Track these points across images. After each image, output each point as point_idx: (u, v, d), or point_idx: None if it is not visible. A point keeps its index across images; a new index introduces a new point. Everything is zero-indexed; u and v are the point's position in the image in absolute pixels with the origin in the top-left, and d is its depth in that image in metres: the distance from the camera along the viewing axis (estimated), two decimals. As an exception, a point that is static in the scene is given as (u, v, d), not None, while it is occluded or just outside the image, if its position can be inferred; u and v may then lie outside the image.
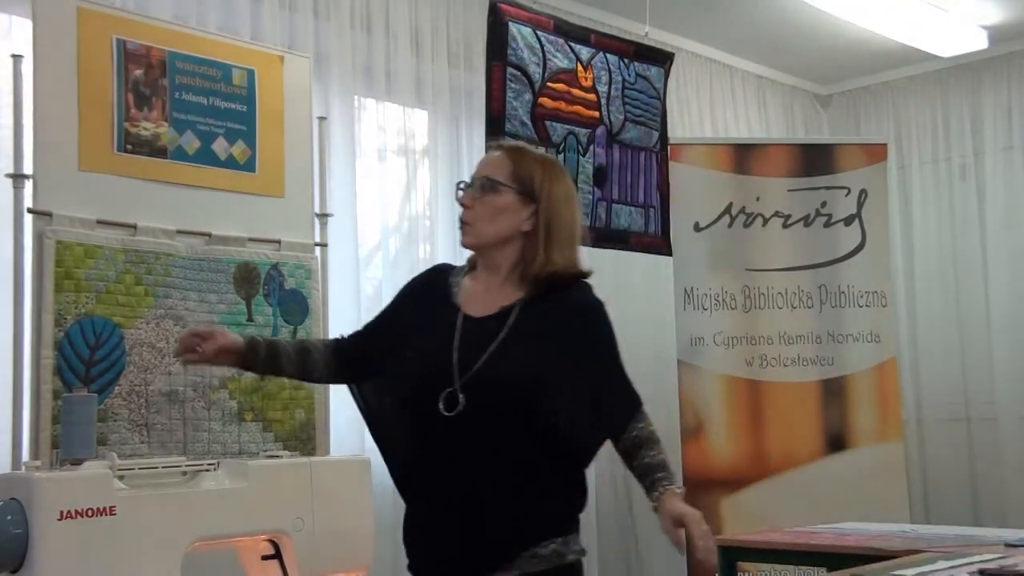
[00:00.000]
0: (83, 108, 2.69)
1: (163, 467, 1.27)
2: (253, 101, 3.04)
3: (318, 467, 1.43)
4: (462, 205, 2.09)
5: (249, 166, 3.03)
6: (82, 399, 1.35)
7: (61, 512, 1.14)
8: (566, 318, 2.05)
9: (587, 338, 2.06)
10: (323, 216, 3.28)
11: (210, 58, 2.96)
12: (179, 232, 2.85)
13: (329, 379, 2.35)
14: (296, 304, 3.07)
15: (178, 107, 2.88)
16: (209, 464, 1.30)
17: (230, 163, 2.99)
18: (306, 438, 3.00)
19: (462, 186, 2.13)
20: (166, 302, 2.79)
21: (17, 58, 2.65)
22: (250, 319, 2.97)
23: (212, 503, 1.29)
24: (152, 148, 2.83)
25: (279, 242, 3.06)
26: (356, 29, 3.81)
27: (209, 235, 2.91)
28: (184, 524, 1.25)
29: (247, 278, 2.98)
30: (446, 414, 1.92)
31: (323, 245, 3.25)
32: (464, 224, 2.09)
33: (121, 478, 1.20)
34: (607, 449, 2.06)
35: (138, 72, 2.80)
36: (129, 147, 2.78)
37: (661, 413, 4.38)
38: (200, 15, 3.34)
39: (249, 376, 2.91)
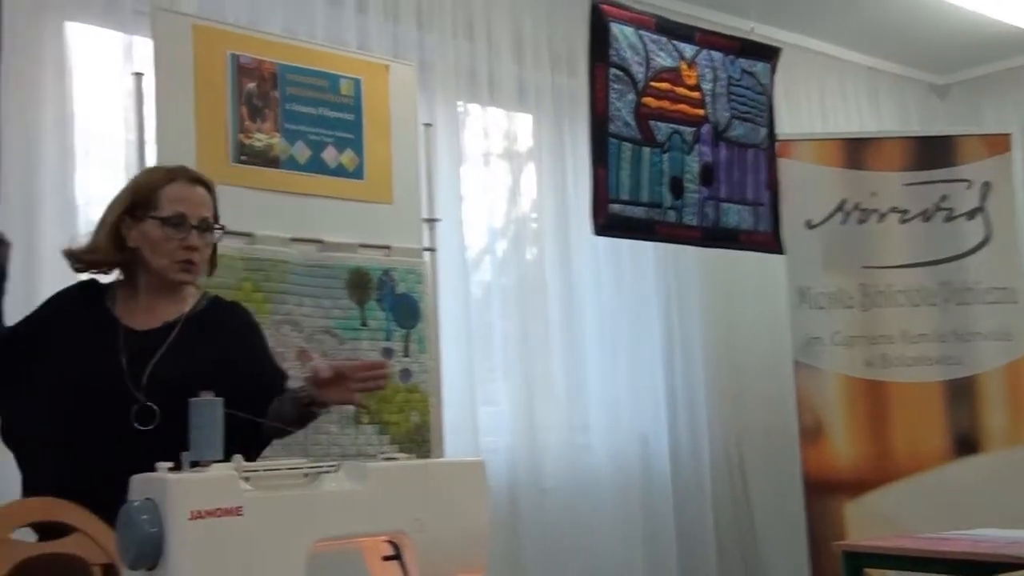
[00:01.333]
0: (200, 122, 2.78)
1: (286, 469, 1.29)
2: (360, 110, 3.10)
3: (435, 469, 1.43)
4: (193, 248, 2.11)
5: (357, 174, 3.09)
6: (208, 403, 1.39)
7: (192, 512, 1.17)
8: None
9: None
10: (431, 221, 3.31)
11: (318, 69, 3.02)
12: (293, 240, 2.92)
13: None
14: (408, 308, 3.11)
15: (289, 118, 2.95)
16: (330, 466, 1.32)
17: (339, 171, 3.05)
18: (421, 440, 3.04)
19: (195, 225, 2.11)
20: (283, 308, 2.86)
21: (138, 76, 2.76)
22: (364, 324, 3.02)
23: (333, 504, 1.31)
24: (265, 158, 2.90)
25: (389, 247, 3.11)
26: (459, 37, 3.84)
27: (321, 242, 2.98)
28: (307, 524, 1.27)
29: (360, 283, 3.03)
30: (141, 428, 1.98)
31: (431, 250, 3.28)
32: (192, 265, 2.12)
33: (247, 479, 1.23)
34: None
35: (251, 85, 2.88)
36: (244, 158, 2.86)
37: (777, 414, 4.33)
38: (308, 27, 3.41)
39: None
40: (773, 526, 4.43)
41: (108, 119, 3.01)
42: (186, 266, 2.10)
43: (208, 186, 2.17)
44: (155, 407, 2.00)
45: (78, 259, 2.15)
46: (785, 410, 4.19)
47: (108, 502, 1.81)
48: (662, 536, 4.15)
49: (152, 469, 1.94)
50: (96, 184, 2.95)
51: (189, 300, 2.17)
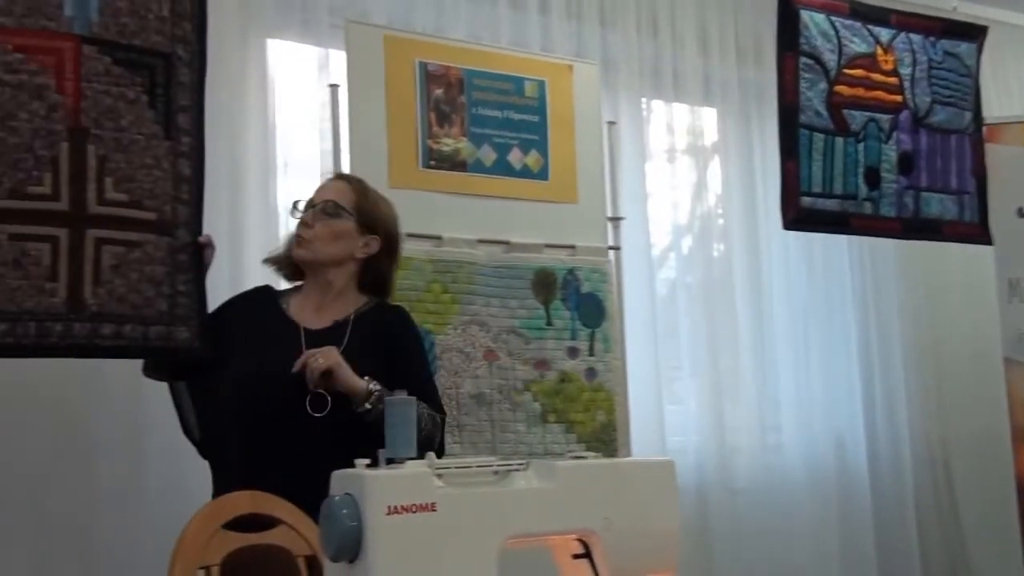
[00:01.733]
0: (391, 129, 2.87)
1: (476, 466, 1.31)
2: (544, 111, 3.12)
3: (624, 468, 1.42)
4: (305, 224, 2.24)
5: (542, 174, 3.11)
6: (402, 402, 1.43)
7: (388, 507, 1.21)
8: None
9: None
10: (615, 219, 3.30)
11: (503, 72, 3.07)
12: (480, 241, 2.97)
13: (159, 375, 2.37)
14: (593, 307, 3.11)
15: (475, 122, 3.01)
16: (519, 464, 1.33)
17: (525, 172, 3.08)
18: (607, 439, 3.03)
19: (313, 205, 2.25)
20: (470, 308, 2.92)
21: (334, 87, 2.88)
22: (549, 323, 3.04)
23: (524, 502, 1.32)
24: (453, 162, 2.97)
25: (574, 247, 3.12)
26: (642, 33, 3.81)
27: (508, 243, 3.01)
28: (498, 521, 1.29)
29: (545, 283, 3.05)
30: (315, 415, 2.09)
31: (616, 248, 3.27)
32: (302, 240, 2.24)
33: (439, 476, 1.25)
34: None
35: (439, 91, 2.96)
36: (432, 163, 2.93)
37: (986, 415, 4.08)
38: (493, 31, 3.47)
39: (550, 379, 2.99)
40: (984, 537, 4.17)
41: (305, 129, 3.16)
42: (298, 240, 2.25)
43: (349, 180, 2.32)
44: (327, 394, 2.11)
45: (279, 265, 2.35)
46: (995, 411, 3.94)
47: (289, 488, 1.93)
48: (860, 544, 3.98)
49: (322, 454, 2.07)
50: (295, 192, 3.09)
51: (352, 302, 2.27)
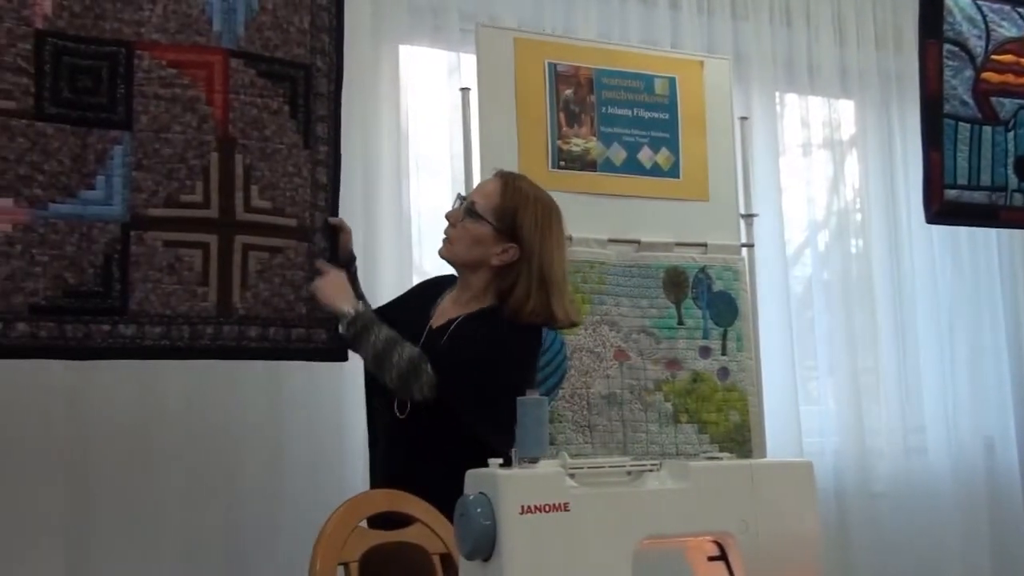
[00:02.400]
0: (521, 130, 2.90)
1: (609, 467, 1.32)
2: (675, 108, 3.09)
3: (759, 469, 1.40)
4: (447, 219, 2.25)
5: (673, 172, 3.09)
6: (535, 401, 1.44)
7: (522, 507, 1.22)
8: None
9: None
10: (748, 216, 3.25)
11: (633, 71, 3.06)
12: (610, 241, 2.97)
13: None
14: (725, 306, 3.07)
15: (605, 121, 3.01)
16: (652, 464, 1.33)
17: (655, 171, 3.07)
18: (741, 440, 2.99)
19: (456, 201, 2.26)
20: (601, 308, 2.92)
21: (465, 91, 2.92)
22: (680, 322, 3.01)
23: (657, 502, 1.32)
24: (583, 162, 2.98)
25: (705, 245, 3.08)
26: (776, 24, 3.74)
27: (638, 242, 3.00)
28: (632, 522, 1.29)
29: (676, 282, 3.03)
30: (399, 415, 2.15)
31: (749, 245, 3.22)
32: (445, 238, 2.26)
33: (572, 476, 1.26)
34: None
35: (568, 92, 2.97)
36: (562, 163, 2.95)
37: None
38: (622, 30, 3.46)
39: (682, 379, 2.97)
40: None
41: (437, 133, 3.22)
42: (444, 240, 2.26)
43: (506, 184, 2.25)
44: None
45: None
46: None
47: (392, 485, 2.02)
48: (1013, 553, 3.81)
49: (407, 455, 2.14)
50: (427, 195, 3.16)
51: (480, 305, 2.23)
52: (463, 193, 2.29)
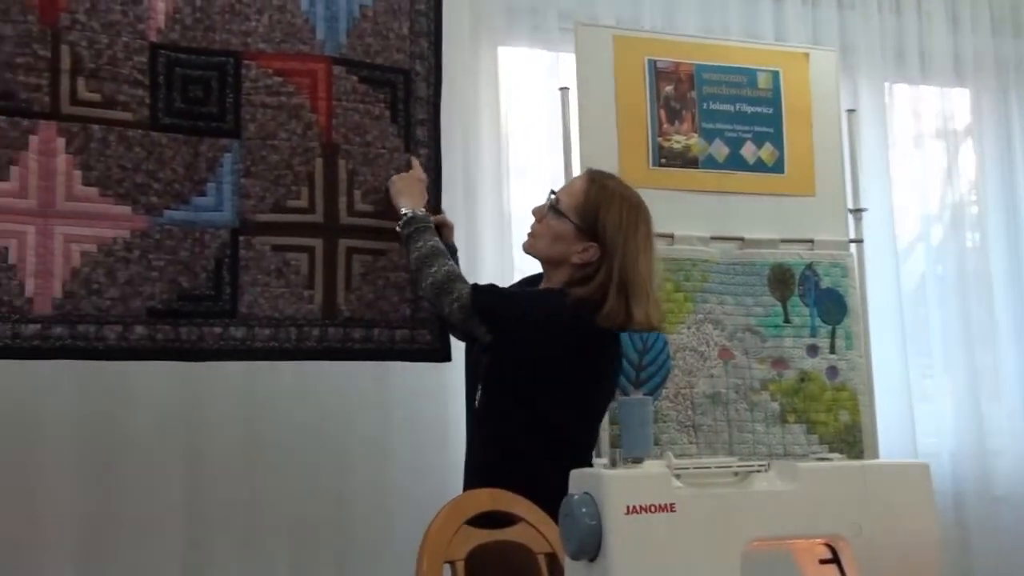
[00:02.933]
0: (621, 128, 2.88)
1: (715, 467, 1.30)
2: (779, 102, 3.03)
3: (873, 471, 1.36)
4: (533, 214, 2.25)
5: (778, 167, 3.03)
6: (638, 401, 1.43)
7: (627, 507, 1.21)
8: None
9: None
10: (857, 211, 3.16)
11: (735, 65, 3.01)
12: (713, 238, 2.92)
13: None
14: (833, 303, 3.00)
15: (706, 117, 2.97)
16: (760, 465, 1.31)
17: (759, 166, 3.01)
18: (852, 440, 2.91)
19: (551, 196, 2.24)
20: (704, 307, 2.88)
21: (564, 90, 2.92)
22: (787, 320, 2.95)
23: (765, 504, 1.29)
24: (684, 159, 2.94)
25: (812, 241, 3.02)
26: (884, 12, 3.64)
27: (742, 239, 2.95)
28: (740, 523, 1.27)
29: (782, 280, 2.97)
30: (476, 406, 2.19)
31: (858, 241, 3.13)
32: (529, 234, 2.26)
33: (678, 476, 1.25)
34: None
35: (668, 88, 2.94)
36: (663, 160, 2.92)
37: None
38: (724, 24, 3.41)
39: (789, 378, 2.91)
40: None
41: (536, 133, 3.22)
42: (529, 235, 2.27)
43: (592, 182, 2.23)
44: (480, 388, 2.19)
45: None
46: None
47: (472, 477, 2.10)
48: None
49: (481, 447, 2.19)
50: (526, 195, 3.17)
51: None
52: (554, 189, 2.29)
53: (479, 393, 2.21)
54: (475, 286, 2.17)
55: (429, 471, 2.90)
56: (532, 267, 2.40)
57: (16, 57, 2.07)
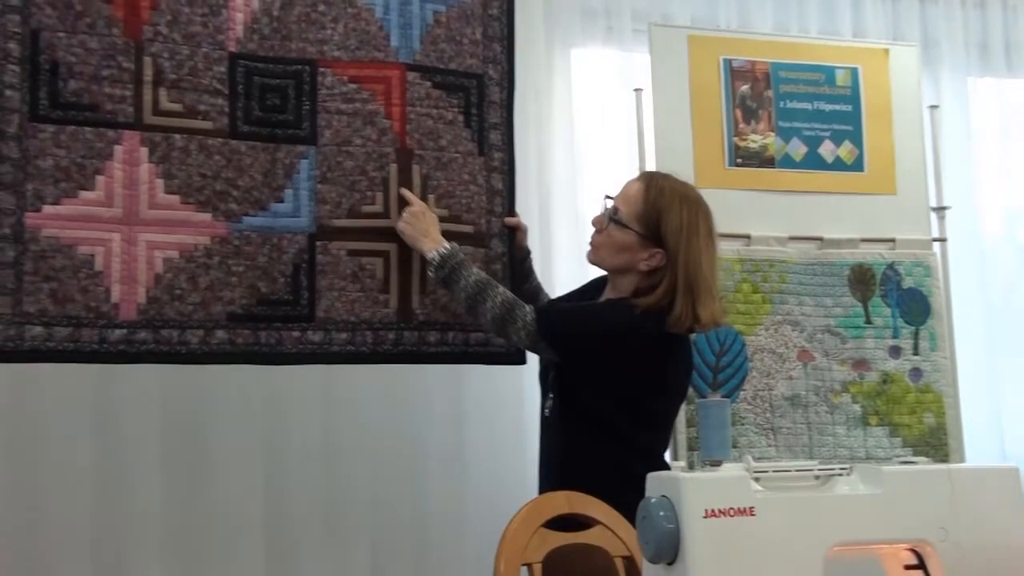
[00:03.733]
0: (696, 129, 2.86)
1: (795, 471, 1.28)
2: (858, 99, 2.98)
3: (960, 475, 1.32)
4: (593, 224, 2.22)
5: (857, 166, 2.97)
6: (717, 403, 1.42)
7: (706, 511, 1.20)
8: None
9: None
10: (940, 210, 3.09)
11: (812, 63, 2.97)
12: (791, 239, 2.89)
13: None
14: (916, 304, 2.93)
15: (783, 116, 2.93)
16: (842, 468, 1.28)
17: (837, 165, 2.96)
18: (937, 444, 2.84)
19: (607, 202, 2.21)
20: (783, 308, 2.84)
21: (638, 92, 2.91)
22: (868, 321, 2.90)
23: (847, 508, 1.27)
24: (760, 159, 2.91)
25: (893, 240, 2.96)
26: (967, 5, 3.55)
27: (821, 239, 2.91)
28: (821, 528, 1.24)
29: (862, 280, 2.92)
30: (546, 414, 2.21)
31: (942, 240, 3.06)
32: (590, 245, 2.23)
33: (757, 480, 1.23)
34: None
35: (744, 87, 2.91)
36: (739, 160, 2.89)
37: None
38: (801, 21, 3.37)
39: (871, 380, 2.85)
40: None
41: (610, 134, 3.21)
42: (591, 244, 2.24)
43: (648, 186, 2.20)
44: (552, 396, 2.21)
45: None
46: None
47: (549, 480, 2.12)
48: None
49: (552, 453, 2.20)
50: (601, 197, 3.15)
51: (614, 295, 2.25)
52: (609, 194, 2.26)
53: (550, 402, 2.22)
54: (537, 310, 2.15)
55: (505, 474, 2.91)
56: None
57: (102, 69, 2.13)
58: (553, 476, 2.18)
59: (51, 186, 2.08)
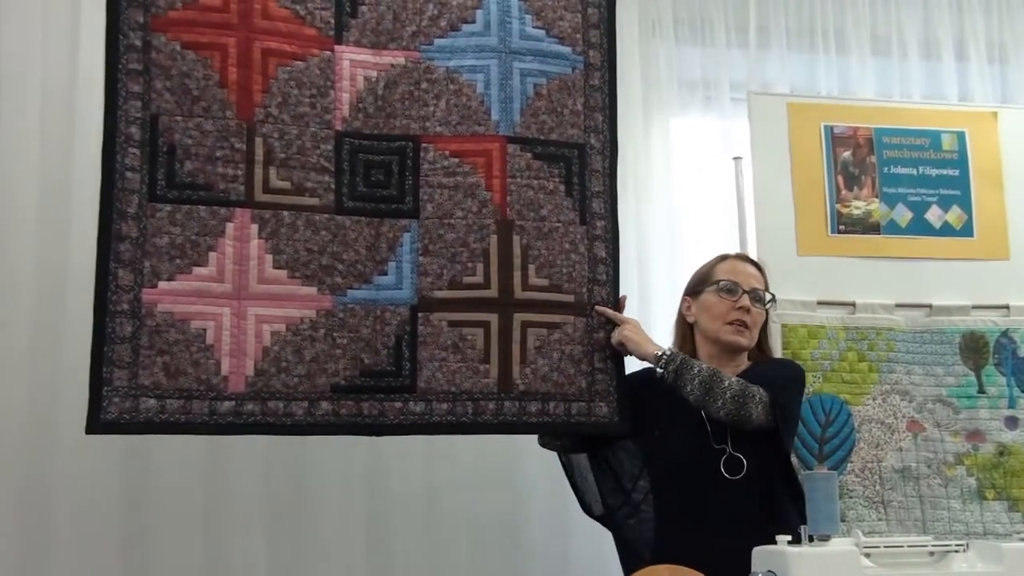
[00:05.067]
0: (798, 196, 2.84)
1: (908, 546, 1.23)
2: (966, 163, 2.93)
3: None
4: (745, 309, 2.28)
5: (967, 231, 2.91)
6: (824, 476, 1.38)
7: (814, 588, 1.17)
8: None
9: None
10: (1058, 275, 2.98)
11: (917, 128, 2.93)
12: (898, 306, 2.83)
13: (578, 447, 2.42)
14: (1033, 373, 2.83)
15: (887, 181, 2.89)
16: (958, 545, 1.23)
17: (945, 230, 2.90)
18: (1070, 521, 2.71)
19: (748, 291, 2.29)
20: (890, 377, 2.77)
21: (737, 160, 2.90)
22: (981, 390, 2.81)
23: (966, 588, 1.22)
24: (864, 226, 2.86)
25: (1007, 307, 2.87)
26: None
27: (930, 306, 2.84)
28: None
29: (975, 348, 2.83)
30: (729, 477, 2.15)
31: (1060, 306, 2.94)
32: (743, 326, 2.28)
33: (867, 556, 1.19)
34: None
35: (846, 154, 2.88)
36: (842, 227, 2.85)
37: None
38: (904, 86, 3.34)
39: (987, 452, 2.75)
40: None
41: (709, 202, 3.20)
42: (739, 327, 2.28)
43: (758, 266, 2.36)
44: (743, 458, 2.18)
45: (683, 341, 2.40)
46: None
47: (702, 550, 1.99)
48: None
49: (737, 517, 2.13)
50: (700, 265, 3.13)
51: (742, 367, 2.29)
52: (743, 286, 2.32)
53: (743, 464, 2.18)
54: (765, 386, 2.18)
55: (607, 542, 2.87)
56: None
57: (216, 150, 2.22)
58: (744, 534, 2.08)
59: (167, 263, 2.17)
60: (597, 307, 2.37)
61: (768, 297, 2.31)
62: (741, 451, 2.18)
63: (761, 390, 2.16)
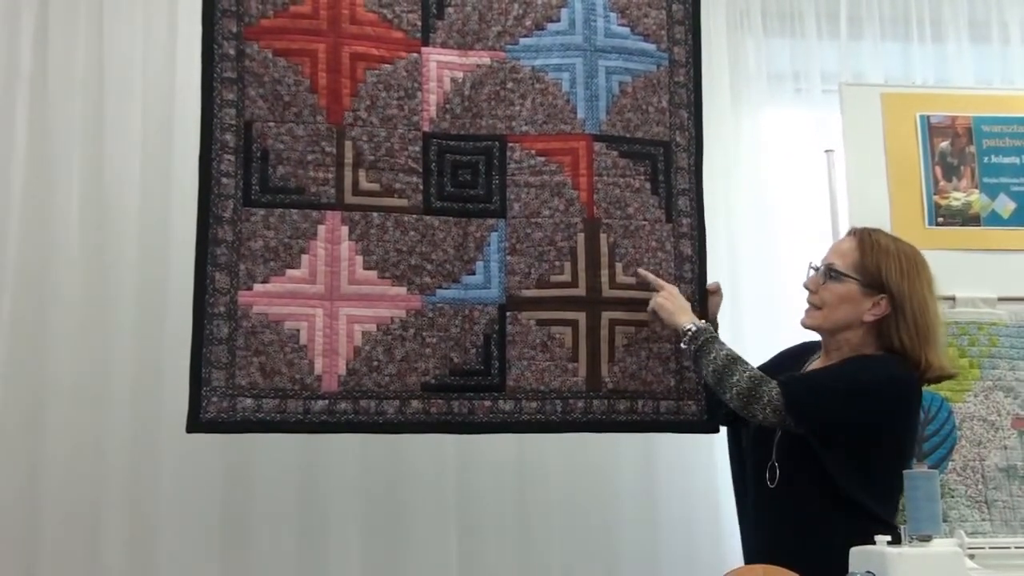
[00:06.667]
0: (893, 188, 2.77)
1: (1015, 547, 1.19)
2: (1072, 150, 2.82)
3: None
4: (806, 288, 2.16)
5: (1072, 221, 2.80)
6: (925, 475, 1.35)
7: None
8: None
9: None
10: None
11: (1019, 115, 2.84)
12: (1001, 299, 2.74)
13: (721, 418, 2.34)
14: None
15: (987, 171, 2.80)
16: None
17: (1051, 221, 2.79)
18: None
19: (816, 268, 2.16)
20: (993, 373, 2.69)
21: (829, 152, 2.85)
22: (1094, 387, 2.69)
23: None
24: (964, 217, 2.78)
25: (1118, 300, 2.75)
26: None
27: (1035, 300, 2.74)
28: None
29: (1084, 342, 2.72)
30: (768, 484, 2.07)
31: None
32: (808, 307, 2.16)
33: (971, 557, 1.16)
34: None
35: (944, 144, 2.80)
36: (940, 219, 2.77)
37: None
38: (1005, 73, 3.23)
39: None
40: None
41: (801, 196, 3.14)
42: (806, 309, 2.16)
43: (861, 239, 2.13)
44: (775, 466, 2.09)
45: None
46: None
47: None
48: None
49: (777, 526, 2.07)
50: (794, 260, 3.07)
51: (844, 356, 2.12)
52: (814, 262, 2.19)
53: (776, 472, 2.09)
54: (782, 383, 2.06)
55: (699, 543, 2.85)
56: (802, 334, 2.32)
57: (308, 155, 2.27)
58: (775, 551, 1.99)
59: (261, 265, 2.22)
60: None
61: (838, 273, 2.09)
62: (782, 459, 2.08)
63: (776, 392, 2.02)
